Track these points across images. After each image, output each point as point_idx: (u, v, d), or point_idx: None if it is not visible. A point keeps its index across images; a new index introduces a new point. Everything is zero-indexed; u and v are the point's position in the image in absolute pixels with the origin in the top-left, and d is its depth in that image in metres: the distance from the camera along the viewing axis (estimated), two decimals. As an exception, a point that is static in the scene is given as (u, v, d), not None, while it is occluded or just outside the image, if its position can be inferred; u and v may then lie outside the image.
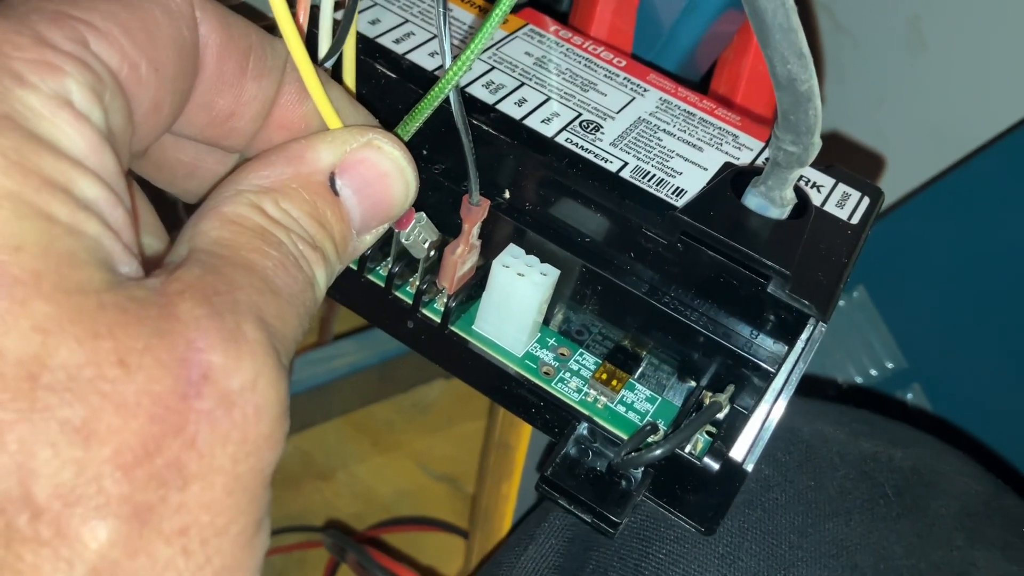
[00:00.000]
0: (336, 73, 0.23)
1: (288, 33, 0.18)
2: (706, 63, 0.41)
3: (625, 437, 0.24)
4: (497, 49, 0.29)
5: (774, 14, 0.18)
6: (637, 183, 0.25)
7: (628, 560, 0.27)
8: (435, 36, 0.28)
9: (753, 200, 0.24)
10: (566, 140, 0.26)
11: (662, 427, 0.25)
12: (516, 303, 0.25)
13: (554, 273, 0.25)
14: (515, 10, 0.30)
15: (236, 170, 0.18)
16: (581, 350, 0.27)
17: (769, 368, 0.23)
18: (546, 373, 0.26)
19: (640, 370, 0.26)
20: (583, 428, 0.25)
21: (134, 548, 0.13)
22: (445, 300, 0.26)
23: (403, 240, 0.24)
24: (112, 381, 0.13)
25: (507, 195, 0.26)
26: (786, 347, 0.23)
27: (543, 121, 0.26)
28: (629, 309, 0.25)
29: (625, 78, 0.29)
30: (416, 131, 0.22)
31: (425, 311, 0.27)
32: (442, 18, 0.21)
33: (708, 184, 0.25)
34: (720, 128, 0.28)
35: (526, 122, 0.26)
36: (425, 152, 0.27)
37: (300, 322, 0.17)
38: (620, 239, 0.25)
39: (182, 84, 0.17)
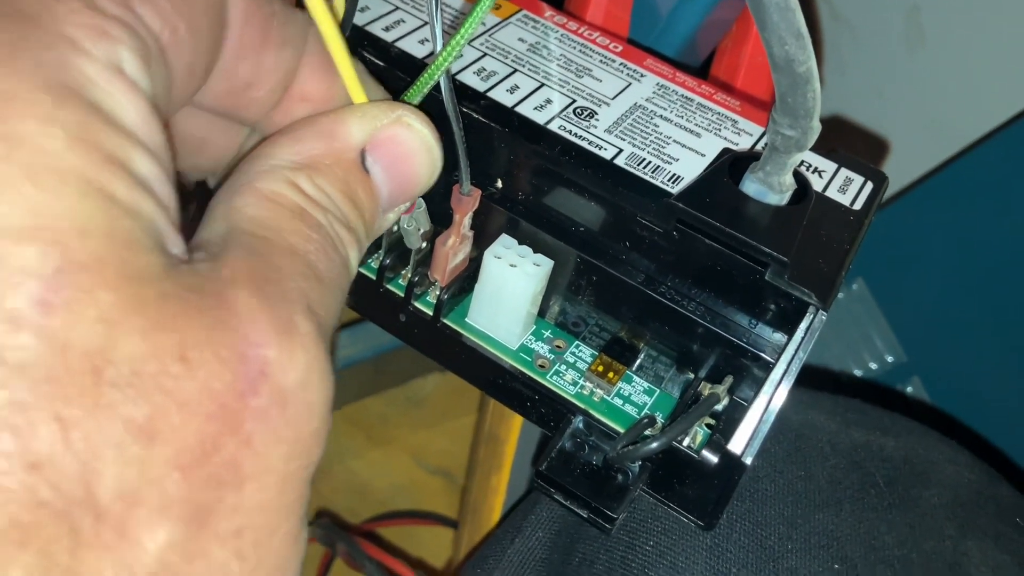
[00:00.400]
0: None
1: (314, 3, 0.18)
2: (706, 50, 0.40)
3: (622, 430, 0.24)
4: (490, 36, 0.28)
5: (772, -7, 0.18)
6: (632, 170, 0.24)
7: (615, 552, 0.27)
8: (426, 23, 0.27)
9: (751, 186, 0.23)
10: (559, 127, 0.25)
11: (660, 420, 0.25)
12: (509, 295, 0.25)
13: (547, 264, 0.25)
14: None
15: (265, 143, 0.18)
16: (577, 342, 0.26)
17: (768, 358, 0.23)
18: (541, 366, 0.25)
19: (638, 362, 0.26)
20: (579, 421, 0.24)
21: (192, 551, 0.13)
22: (437, 293, 0.26)
23: (404, 225, 0.23)
24: (175, 377, 0.13)
25: (499, 185, 0.26)
26: (785, 336, 0.23)
27: (536, 108, 0.26)
28: (624, 299, 0.25)
29: (621, 63, 0.28)
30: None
31: (417, 304, 0.26)
32: (433, 2, 0.20)
33: (705, 170, 0.24)
34: (719, 113, 0.27)
35: (518, 109, 0.25)
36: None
37: (339, 306, 0.17)
38: (615, 228, 0.24)
39: (214, 48, 0.17)
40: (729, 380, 0.23)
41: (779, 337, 0.23)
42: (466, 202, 0.24)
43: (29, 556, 0.12)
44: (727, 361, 0.24)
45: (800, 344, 0.22)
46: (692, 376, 0.25)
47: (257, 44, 0.18)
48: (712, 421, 0.24)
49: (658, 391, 0.25)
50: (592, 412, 0.24)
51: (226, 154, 0.21)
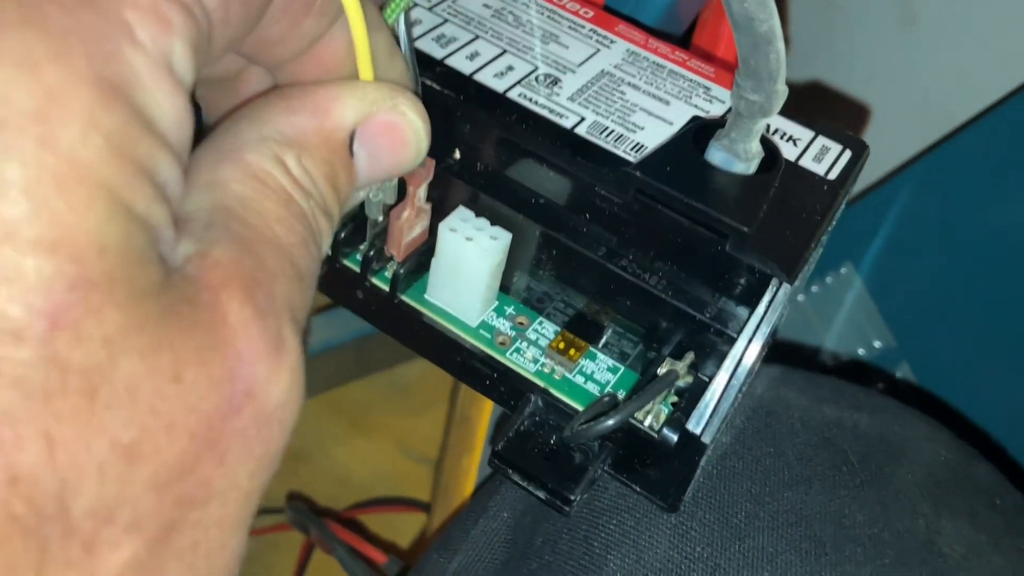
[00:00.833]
0: None
1: None
2: (687, 18, 0.39)
3: (582, 409, 0.23)
4: (453, 1, 0.27)
5: (726, -59, 0.17)
6: (593, 139, 0.23)
7: (577, 532, 0.26)
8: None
9: (717, 155, 0.22)
10: (519, 95, 0.24)
11: (621, 398, 0.24)
12: (465, 269, 0.24)
13: (505, 237, 0.24)
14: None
15: (257, 103, 0.17)
16: (541, 318, 0.25)
17: (731, 333, 0.22)
18: (501, 343, 0.25)
19: (603, 339, 0.25)
20: (537, 401, 0.23)
21: (149, 567, 0.13)
22: (395, 268, 0.25)
23: (369, 196, 0.22)
24: (166, 399, 0.13)
25: (457, 156, 0.25)
26: (748, 310, 0.22)
27: (496, 76, 0.25)
28: (585, 273, 0.24)
29: (591, 29, 0.27)
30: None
31: (375, 280, 0.25)
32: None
33: (669, 139, 0.23)
34: (691, 80, 0.26)
35: (476, 77, 0.24)
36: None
37: (311, 306, 0.17)
38: (574, 200, 0.23)
39: (259, 16, 0.16)
40: (690, 356, 0.22)
41: (743, 312, 0.22)
42: (419, 172, 0.23)
43: None
44: (690, 337, 0.23)
45: (763, 318, 0.21)
46: (657, 354, 0.24)
47: (299, 12, 0.17)
48: (676, 399, 0.23)
49: (623, 368, 0.25)
50: (552, 390, 0.24)
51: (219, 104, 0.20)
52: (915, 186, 0.46)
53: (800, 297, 0.47)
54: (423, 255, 0.25)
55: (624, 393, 0.24)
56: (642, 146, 0.23)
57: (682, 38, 0.39)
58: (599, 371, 0.24)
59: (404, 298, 0.25)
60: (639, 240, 0.23)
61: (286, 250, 0.16)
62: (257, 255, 0.15)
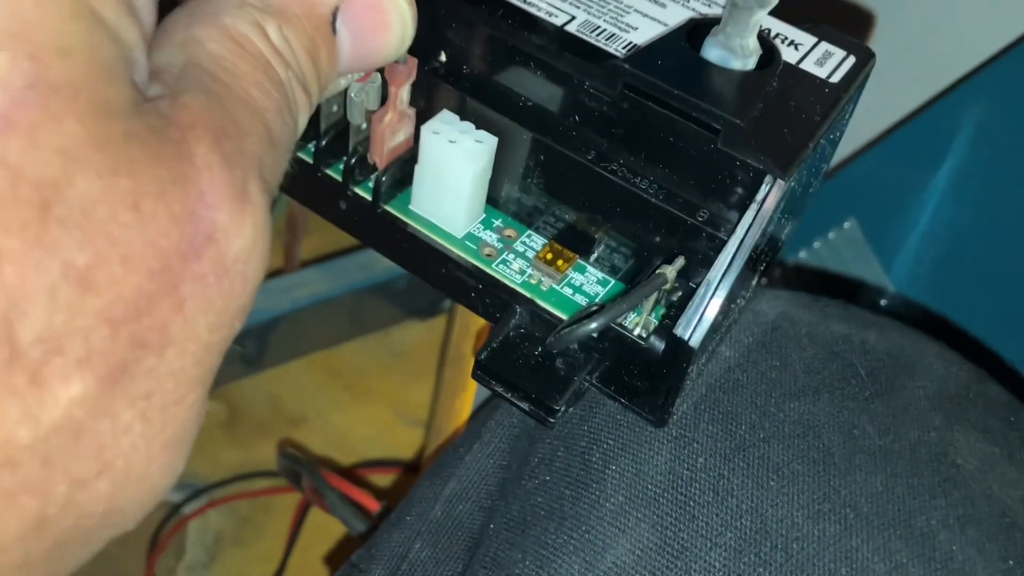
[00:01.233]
0: None
1: None
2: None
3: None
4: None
5: None
6: (583, 37, 0.22)
7: (574, 449, 0.25)
8: None
9: (712, 52, 0.21)
10: (507, -6, 0.23)
11: (610, 309, 0.23)
12: (449, 175, 0.23)
13: (490, 140, 0.23)
14: None
15: None
16: (529, 232, 0.24)
17: (720, 236, 0.21)
18: (488, 255, 0.24)
19: (595, 254, 0.24)
20: (523, 312, 0.22)
21: (99, 408, 0.13)
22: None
23: (350, 94, 0.22)
24: (124, 226, 0.12)
25: (442, 58, 0.24)
26: (739, 214, 0.21)
27: (483, -25, 0.24)
28: (573, 180, 0.23)
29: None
30: None
31: (357, 190, 0.24)
32: None
33: (662, 35, 0.22)
34: (688, -13, 0.25)
35: (464, -26, 0.23)
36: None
37: (281, 174, 0.16)
38: (562, 100, 0.22)
39: None
40: (680, 261, 0.21)
41: (734, 215, 0.21)
42: (401, 71, 0.22)
43: None
44: (680, 242, 0.22)
45: (755, 217, 0.20)
46: (648, 265, 0.23)
47: None
48: (665, 310, 0.22)
49: (613, 281, 0.24)
50: (538, 301, 0.23)
51: None
52: (918, 141, 0.45)
53: (802, 253, 0.46)
54: (407, 163, 0.24)
55: (613, 306, 0.23)
56: (634, 46, 0.22)
57: None
58: (588, 284, 0.23)
59: (387, 208, 0.24)
60: (629, 141, 0.22)
61: (259, 112, 0.15)
62: (228, 110, 0.14)
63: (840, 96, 0.22)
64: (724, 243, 0.21)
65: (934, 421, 0.26)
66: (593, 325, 0.20)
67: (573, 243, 0.24)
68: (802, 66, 0.22)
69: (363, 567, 0.29)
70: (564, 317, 0.22)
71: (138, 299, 0.13)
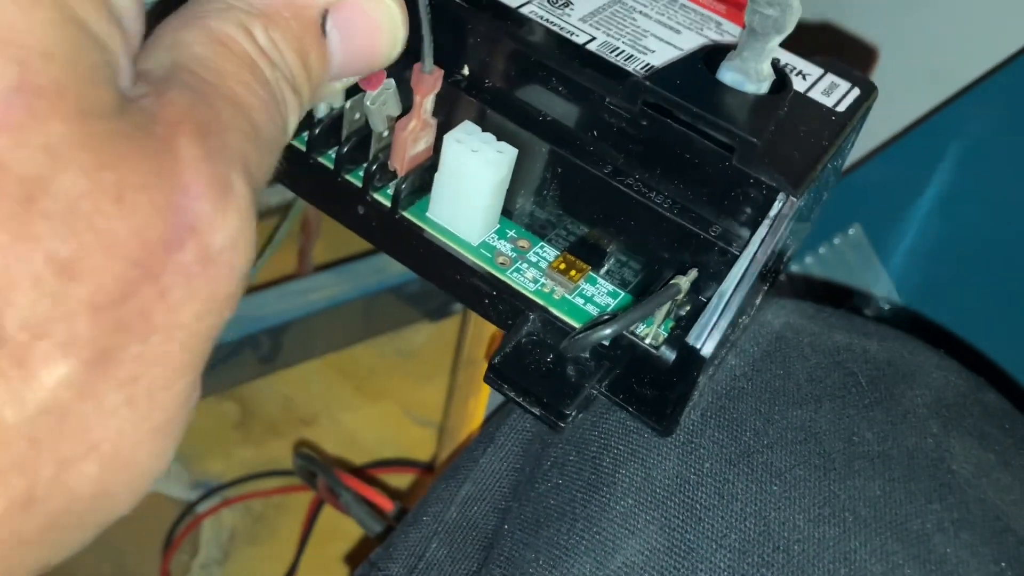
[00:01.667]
0: None
1: None
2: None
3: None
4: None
5: None
6: (604, 56, 0.23)
7: (586, 453, 0.26)
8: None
9: (728, 75, 0.22)
10: (531, 12, 0.24)
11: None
12: (469, 183, 0.23)
13: (510, 151, 0.23)
14: None
15: None
16: (542, 243, 0.25)
17: (733, 251, 0.21)
18: (502, 263, 0.24)
19: (606, 267, 0.25)
20: (536, 318, 0.23)
21: (86, 391, 0.13)
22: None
23: (367, 103, 0.22)
24: (106, 218, 0.13)
25: (466, 72, 0.24)
26: (751, 230, 0.21)
27: (508, -6, 0.24)
28: (589, 193, 0.23)
29: (606, -35, 0.27)
30: None
31: (377, 196, 0.25)
32: None
33: (680, 57, 0.23)
34: (702, 14, 0.26)
35: (489, -7, 0.24)
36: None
37: (270, 171, 0.17)
38: (582, 115, 0.23)
39: None
40: (694, 273, 0.22)
41: (746, 231, 0.22)
42: (427, 81, 0.23)
43: None
44: (693, 256, 0.22)
45: (767, 233, 0.21)
46: (659, 279, 0.24)
47: None
48: (674, 322, 0.23)
49: (623, 294, 0.24)
50: (551, 309, 0.23)
51: None
52: (923, 147, 0.45)
53: (808, 259, 0.47)
54: (427, 171, 0.24)
55: (624, 316, 0.24)
56: (653, 67, 0.23)
57: None
58: (599, 295, 0.24)
59: (405, 214, 0.25)
60: (646, 157, 0.23)
61: (244, 108, 0.16)
62: (213, 106, 0.15)
63: (846, 124, 0.22)
64: (736, 257, 0.22)
65: (932, 428, 0.27)
66: (607, 331, 0.21)
67: (586, 255, 0.24)
68: (810, 94, 0.23)
69: (381, 566, 0.29)
70: (576, 325, 0.23)
71: (122, 287, 0.13)
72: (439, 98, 0.24)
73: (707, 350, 0.21)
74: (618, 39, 0.24)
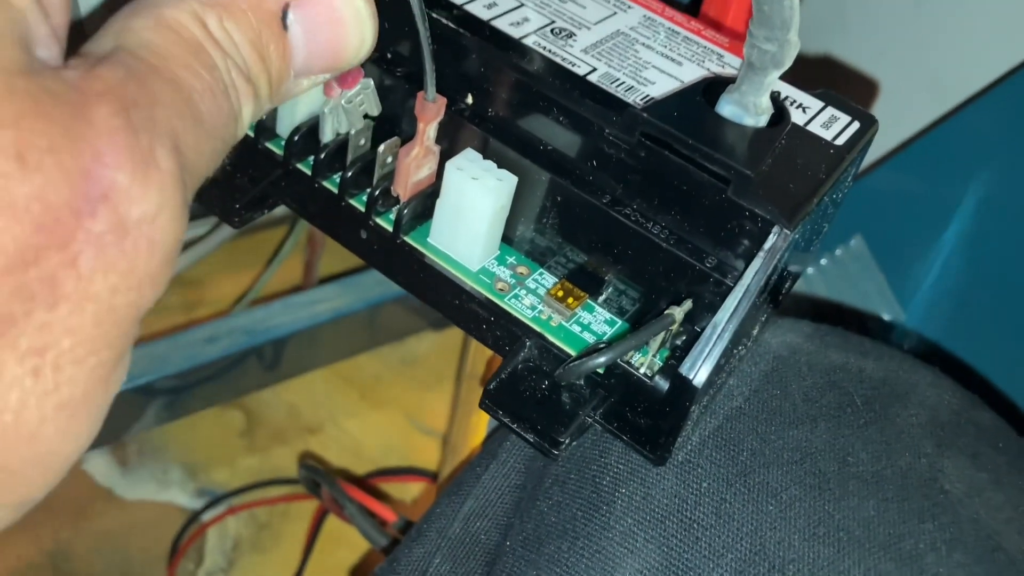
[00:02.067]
0: None
1: None
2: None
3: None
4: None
5: None
6: (604, 87, 0.23)
7: (586, 472, 0.26)
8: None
9: (727, 108, 0.22)
10: (534, 43, 0.24)
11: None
12: (469, 209, 0.24)
13: (510, 179, 0.24)
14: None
15: None
16: (542, 270, 0.25)
17: (727, 283, 0.22)
18: (500, 289, 0.25)
19: (604, 295, 0.25)
20: (532, 345, 0.23)
21: None
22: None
23: (342, 103, 0.23)
24: (5, 176, 0.12)
25: (469, 100, 0.25)
26: (746, 261, 0.22)
27: (512, 24, 0.25)
28: (587, 222, 0.24)
29: (610, -5, 0.28)
30: None
31: (379, 220, 0.25)
32: None
33: (679, 89, 0.23)
34: (705, 47, 0.26)
35: (493, 23, 0.24)
36: (389, 55, 0.25)
37: (215, 157, 0.16)
38: (581, 146, 0.23)
39: None
40: (688, 304, 0.22)
41: (741, 263, 0.22)
42: (430, 109, 0.23)
43: None
44: (688, 287, 0.23)
45: (761, 265, 0.21)
46: (655, 308, 0.24)
47: None
48: (671, 353, 0.23)
49: (620, 322, 0.24)
50: (547, 336, 0.24)
51: None
52: (925, 159, 0.45)
53: (809, 270, 0.47)
54: (429, 197, 0.25)
55: (620, 344, 0.24)
56: (652, 99, 0.23)
57: (688, 6, 0.39)
58: (596, 323, 0.24)
59: (407, 239, 0.25)
60: (644, 187, 0.23)
61: (183, 89, 0.15)
62: (145, 84, 0.14)
63: (844, 157, 0.23)
64: (731, 289, 0.22)
65: (925, 448, 0.27)
66: (601, 359, 0.21)
67: (583, 282, 0.25)
68: (809, 128, 0.23)
69: None
70: (572, 353, 0.23)
71: (23, 250, 0.13)
72: (443, 125, 0.24)
73: (699, 380, 0.21)
74: (619, 70, 0.24)
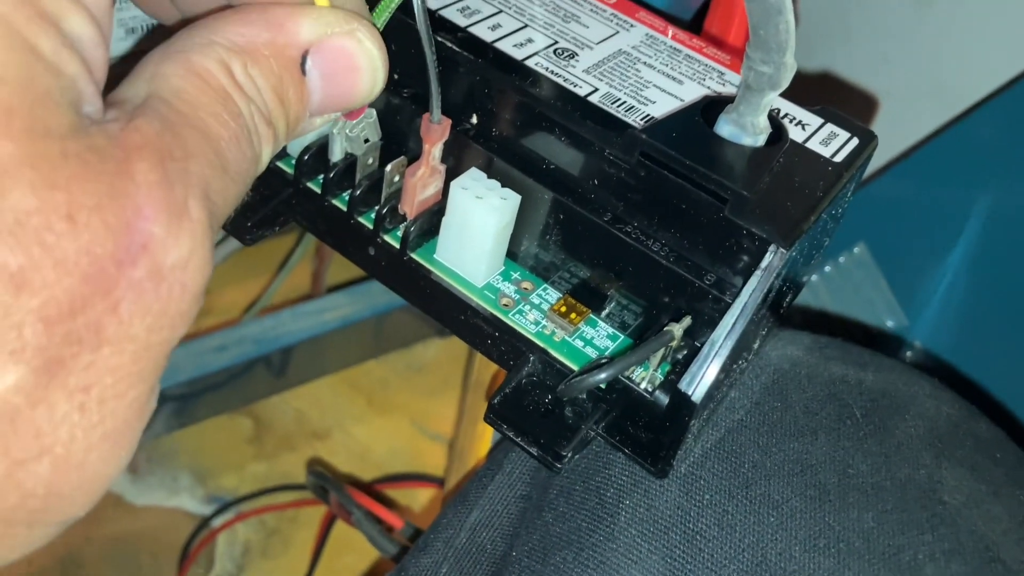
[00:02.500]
0: None
1: None
2: (695, 3, 0.40)
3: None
4: (479, -23, 0.28)
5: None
6: (605, 107, 0.24)
7: (590, 483, 0.27)
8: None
9: (725, 128, 0.23)
10: (536, 64, 0.25)
11: (619, 362, 0.24)
12: (474, 228, 0.24)
13: (514, 198, 0.24)
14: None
15: (212, 18, 0.18)
16: (546, 285, 0.26)
17: (726, 299, 0.22)
18: (505, 305, 0.25)
19: (606, 310, 0.25)
20: (536, 360, 0.24)
21: (36, 397, 0.14)
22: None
23: (347, 131, 0.23)
24: (57, 234, 0.14)
25: (474, 121, 0.25)
26: (744, 278, 0.22)
27: (515, 46, 0.25)
28: (589, 239, 0.24)
29: (612, 13, 0.28)
30: (384, 24, 0.22)
31: (387, 237, 0.26)
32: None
33: (677, 109, 0.24)
34: (706, 65, 0.27)
35: (497, 45, 0.25)
36: (396, 76, 0.26)
37: (238, 199, 0.17)
38: (583, 165, 0.24)
39: None
40: (687, 321, 0.23)
41: (739, 280, 0.22)
42: (435, 131, 0.24)
43: None
44: (688, 303, 0.23)
45: (758, 282, 0.21)
46: (656, 323, 0.25)
47: None
48: (671, 368, 0.24)
49: (622, 336, 0.25)
50: (551, 351, 0.24)
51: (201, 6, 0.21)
52: (929, 166, 0.46)
53: (814, 277, 0.47)
54: (435, 215, 0.25)
55: (622, 359, 0.24)
56: (652, 118, 0.24)
57: (690, 23, 0.40)
58: (599, 337, 0.25)
59: (414, 256, 0.26)
60: (644, 206, 0.23)
61: (212, 139, 0.16)
62: (179, 135, 0.16)
63: (842, 174, 0.23)
64: (729, 305, 0.22)
65: (924, 459, 0.28)
66: (602, 375, 0.22)
67: (586, 298, 0.25)
68: (808, 145, 0.24)
69: None
70: (575, 367, 0.24)
71: (72, 300, 0.14)
72: (448, 145, 0.25)
73: (697, 396, 0.21)
74: (620, 90, 0.25)
